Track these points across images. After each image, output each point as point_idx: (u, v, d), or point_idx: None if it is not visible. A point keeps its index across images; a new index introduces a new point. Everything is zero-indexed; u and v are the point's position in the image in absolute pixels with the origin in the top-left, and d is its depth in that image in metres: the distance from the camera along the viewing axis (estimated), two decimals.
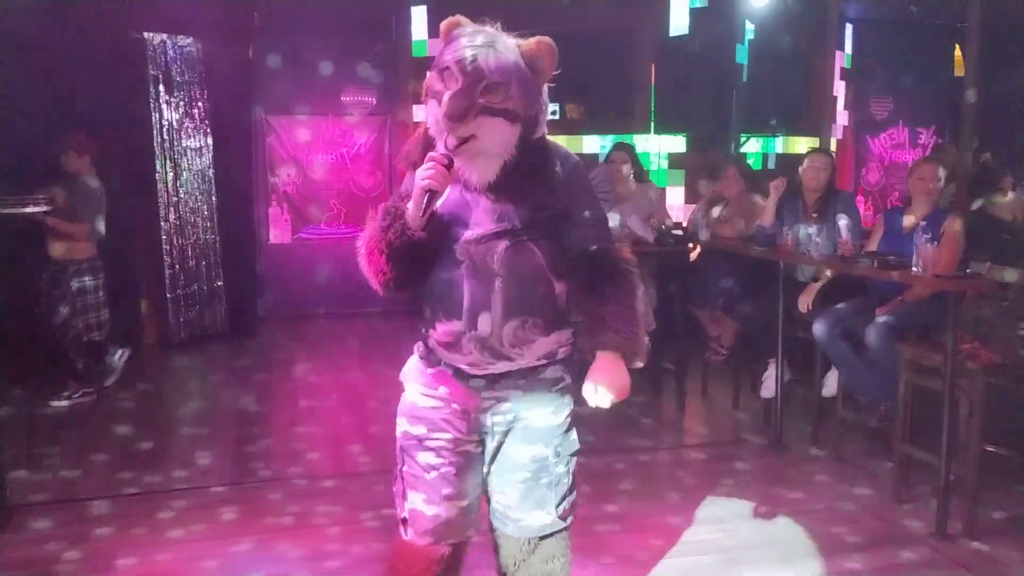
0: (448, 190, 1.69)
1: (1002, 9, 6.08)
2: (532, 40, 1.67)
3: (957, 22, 7.05)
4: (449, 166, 1.63)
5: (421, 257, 1.70)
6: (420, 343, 1.87)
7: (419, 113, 6.86)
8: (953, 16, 6.91)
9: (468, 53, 1.60)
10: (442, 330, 1.73)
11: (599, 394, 1.72)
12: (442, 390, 1.81)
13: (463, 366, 1.76)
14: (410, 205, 1.68)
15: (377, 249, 1.70)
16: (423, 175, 1.64)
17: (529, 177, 1.70)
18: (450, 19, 1.71)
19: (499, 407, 1.81)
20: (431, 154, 1.65)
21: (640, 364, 1.76)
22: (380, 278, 1.73)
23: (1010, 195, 4.73)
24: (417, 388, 1.85)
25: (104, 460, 3.78)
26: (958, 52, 7.54)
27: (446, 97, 1.60)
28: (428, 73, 1.68)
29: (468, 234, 1.70)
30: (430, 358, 1.83)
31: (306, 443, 4.04)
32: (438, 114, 1.62)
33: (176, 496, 3.38)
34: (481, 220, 1.70)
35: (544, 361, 1.78)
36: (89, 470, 3.66)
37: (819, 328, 3.90)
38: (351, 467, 3.73)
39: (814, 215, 4.26)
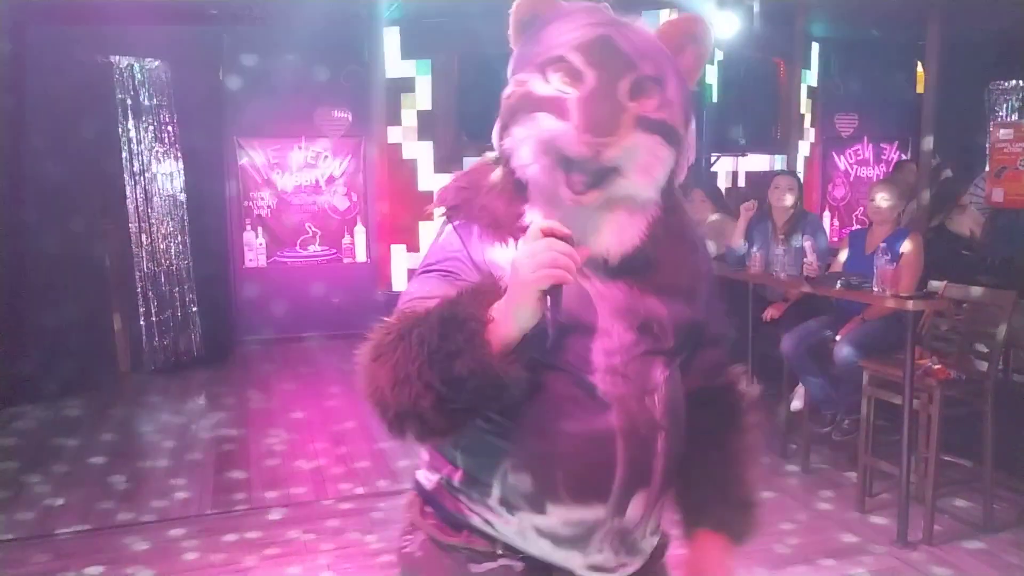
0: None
1: (960, 28, 6.26)
2: (675, 20, 1.08)
3: (918, 40, 7.25)
4: (571, 240, 0.95)
5: (499, 397, 0.99)
6: (435, 517, 1.17)
7: (394, 134, 6.90)
8: (914, 34, 7.10)
9: (596, 32, 1.01)
10: (560, 518, 1.08)
11: None
12: None
13: (580, 571, 1.12)
14: (498, 314, 0.96)
15: (422, 384, 0.96)
16: (543, 257, 0.92)
17: (678, 251, 1.11)
18: None
19: None
20: (541, 223, 0.95)
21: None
22: (407, 424, 0.99)
23: (968, 211, 4.86)
24: None
25: (79, 493, 3.73)
26: (920, 69, 7.74)
27: (575, 102, 0.97)
28: (513, 79, 1.06)
29: (606, 353, 1.05)
30: (480, 546, 1.14)
31: (285, 470, 4.03)
32: (554, 134, 0.99)
33: (151, 528, 3.36)
34: (616, 331, 1.06)
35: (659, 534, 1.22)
36: (64, 503, 3.61)
37: (786, 344, 4.00)
38: (332, 493, 3.72)
39: (782, 236, 4.37)
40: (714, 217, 5.00)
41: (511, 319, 0.95)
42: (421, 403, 0.96)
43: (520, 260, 0.94)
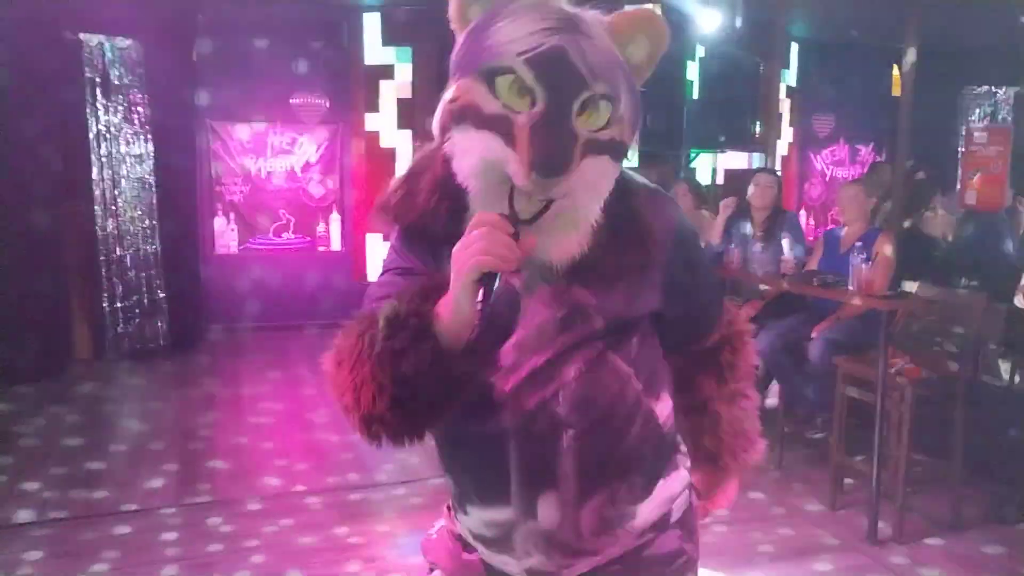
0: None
1: (935, 33, 6.33)
2: (627, 14, 1.01)
3: (895, 43, 7.33)
4: (515, 235, 0.94)
5: (453, 394, 0.99)
6: (448, 507, 1.24)
7: (372, 121, 6.81)
8: (891, 37, 7.16)
9: (547, 41, 0.93)
10: (478, 519, 1.10)
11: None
12: None
13: (518, 574, 1.12)
14: (443, 309, 0.96)
15: (375, 385, 0.95)
16: (479, 245, 0.91)
17: (621, 241, 1.04)
18: None
19: None
20: (481, 215, 0.94)
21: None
22: (374, 428, 0.99)
23: (940, 212, 4.91)
24: None
25: (36, 485, 3.61)
26: (896, 72, 7.82)
27: (524, 128, 0.92)
28: (457, 83, 0.99)
29: (517, 348, 1.02)
30: (464, 539, 1.19)
31: (255, 462, 3.95)
32: (496, 156, 0.94)
33: (117, 520, 3.27)
34: (535, 324, 1.02)
35: (651, 534, 1.14)
36: (21, 495, 3.50)
37: (762, 342, 4.00)
38: (303, 485, 3.65)
39: (760, 234, 4.37)
40: (693, 212, 5.00)
41: (453, 312, 0.94)
42: (379, 405, 0.96)
43: (457, 249, 0.94)
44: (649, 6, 1.06)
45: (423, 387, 0.94)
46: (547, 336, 1.02)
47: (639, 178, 1.13)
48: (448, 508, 1.23)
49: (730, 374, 1.24)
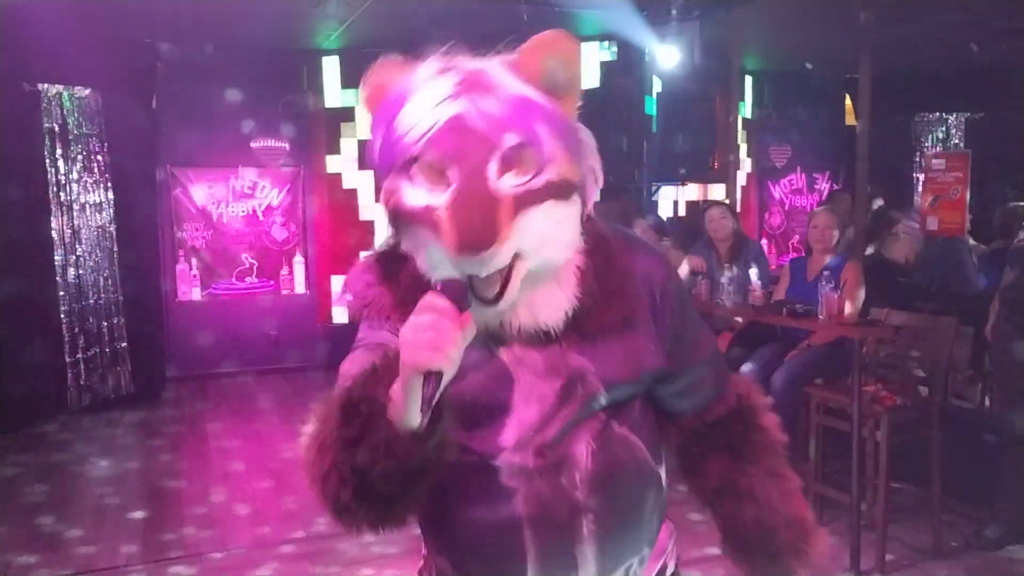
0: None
1: (887, 63, 6.52)
2: (530, 44, 0.95)
3: (845, 74, 7.54)
4: (464, 302, 0.88)
5: (419, 481, 0.91)
6: None
7: (334, 164, 6.78)
8: (844, 68, 7.37)
9: (443, 112, 0.90)
10: None
11: None
12: None
13: None
14: (395, 395, 0.89)
15: (338, 476, 0.89)
16: (422, 338, 0.84)
17: (612, 296, 0.99)
18: (374, 72, 0.99)
19: None
20: (431, 298, 0.87)
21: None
22: (346, 518, 0.92)
23: (902, 238, 5.00)
24: None
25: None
26: (848, 101, 8.03)
27: (444, 211, 0.88)
28: (384, 185, 0.97)
29: (519, 427, 0.95)
30: None
31: (223, 514, 3.82)
32: (436, 244, 0.91)
33: None
34: (535, 398, 0.96)
35: None
36: None
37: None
38: (274, 536, 3.54)
39: (726, 264, 4.40)
40: (656, 245, 5.03)
41: (404, 400, 0.86)
42: (343, 496, 0.88)
43: (404, 335, 0.85)
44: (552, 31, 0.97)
45: (382, 478, 0.86)
46: (548, 410, 0.94)
47: (612, 224, 1.09)
48: None
49: (746, 450, 1.10)
